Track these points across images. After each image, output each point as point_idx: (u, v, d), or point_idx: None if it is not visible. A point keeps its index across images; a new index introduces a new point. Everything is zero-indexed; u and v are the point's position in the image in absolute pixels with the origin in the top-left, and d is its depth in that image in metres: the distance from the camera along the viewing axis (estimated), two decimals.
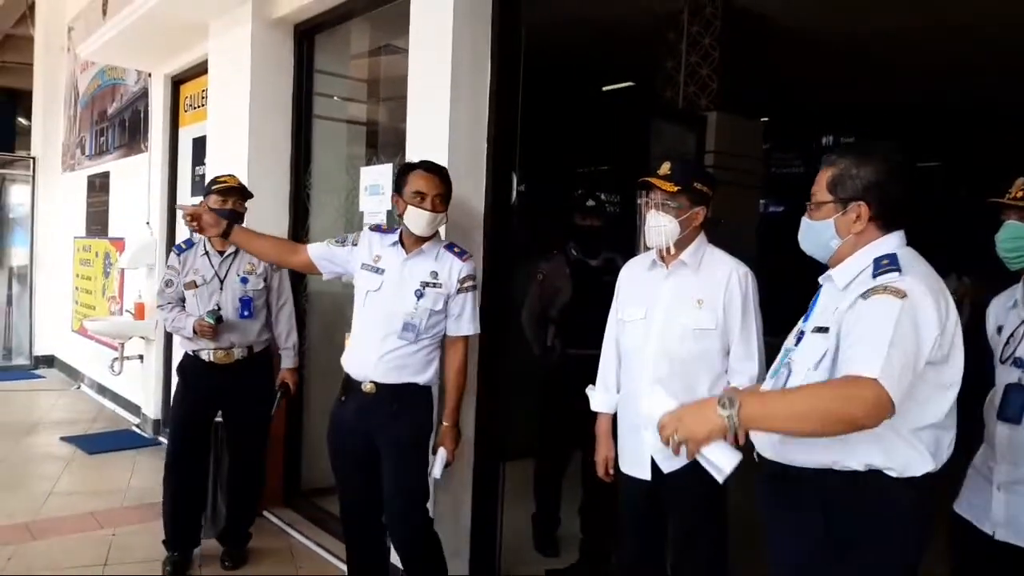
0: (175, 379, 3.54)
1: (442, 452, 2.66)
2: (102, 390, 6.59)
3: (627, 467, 2.39)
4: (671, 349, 2.27)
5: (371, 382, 2.63)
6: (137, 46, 5.01)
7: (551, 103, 6.17)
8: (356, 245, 2.75)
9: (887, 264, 1.62)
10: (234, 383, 3.34)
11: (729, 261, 2.32)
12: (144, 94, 5.92)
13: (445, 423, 2.68)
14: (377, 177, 3.54)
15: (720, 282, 2.26)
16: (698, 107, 6.09)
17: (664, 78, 6.24)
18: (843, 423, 1.49)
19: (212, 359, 3.31)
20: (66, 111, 8.14)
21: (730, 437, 1.59)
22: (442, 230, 2.81)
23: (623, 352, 2.44)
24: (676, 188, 2.23)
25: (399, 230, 2.69)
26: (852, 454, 1.61)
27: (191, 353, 3.38)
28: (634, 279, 2.45)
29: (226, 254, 3.37)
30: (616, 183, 6.39)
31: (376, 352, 2.61)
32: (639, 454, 2.34)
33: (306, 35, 4.09)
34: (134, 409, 5.82)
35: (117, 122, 6.46)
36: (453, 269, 2.64)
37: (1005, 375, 1.98)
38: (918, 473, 1.60)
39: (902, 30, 5.49)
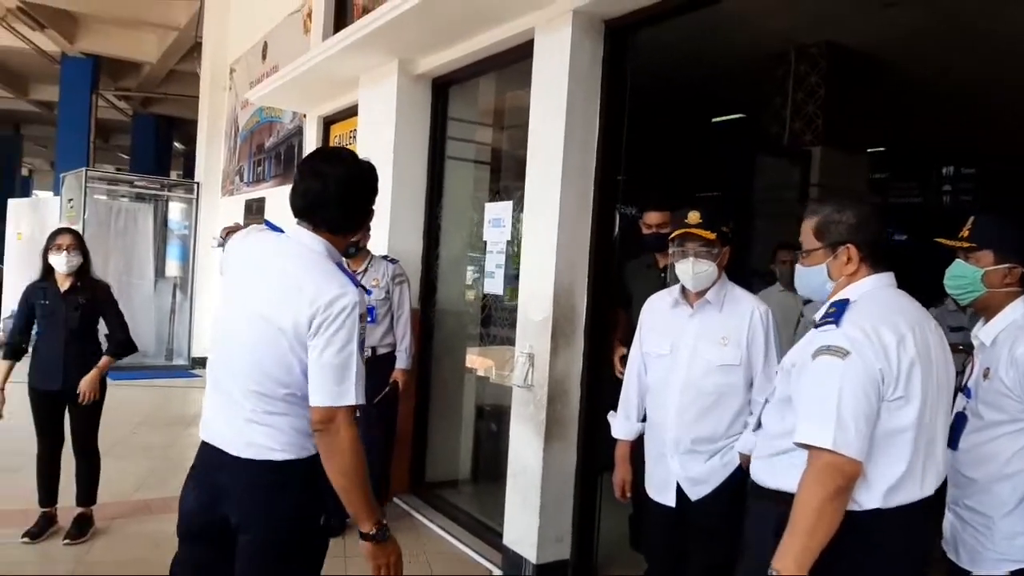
0: None
1: None
2: None
3: (654, 493, 2.58)
4: (697, 383, 2.44)
5: None
6: (298, 93, 5.83)
7: (664, 135, 6.59)
8: None
9: (828, 318, 1.73)
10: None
11: (750, 300, 2.49)
12: (298, 131, 6.79)
13: None
14: (499, 212, 4.12)
15: (743, 320, 2.43)
16: (803, 142, 6.36)
17: (771, 114, 6.53)
18: (836, 500, 1.59)
19: None
20: (226, 142, 9.25)
21: None
22: (546, 257, 3.33)
23: (650, 384, 2.60)
24: (714, 235, 2.42)
25: None
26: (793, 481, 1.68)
27: None
28: (657, 315, 2.61)
29: (357, 272, 4.06)
30: (724, 212, 6.74)
31: None
32: (665, 481, 2.51)
33: (441, 87, 4.74)
34: None
35: (273, 155, 7.39)
36: None
37: (957, 404, 2.04)
38: (858, 509, 1.66)
39: (997, 65, 5.57)
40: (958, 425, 2.02)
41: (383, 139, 4.78)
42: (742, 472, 2.36)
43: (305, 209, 1.87)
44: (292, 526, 1.87)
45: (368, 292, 4.00)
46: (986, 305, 2.03)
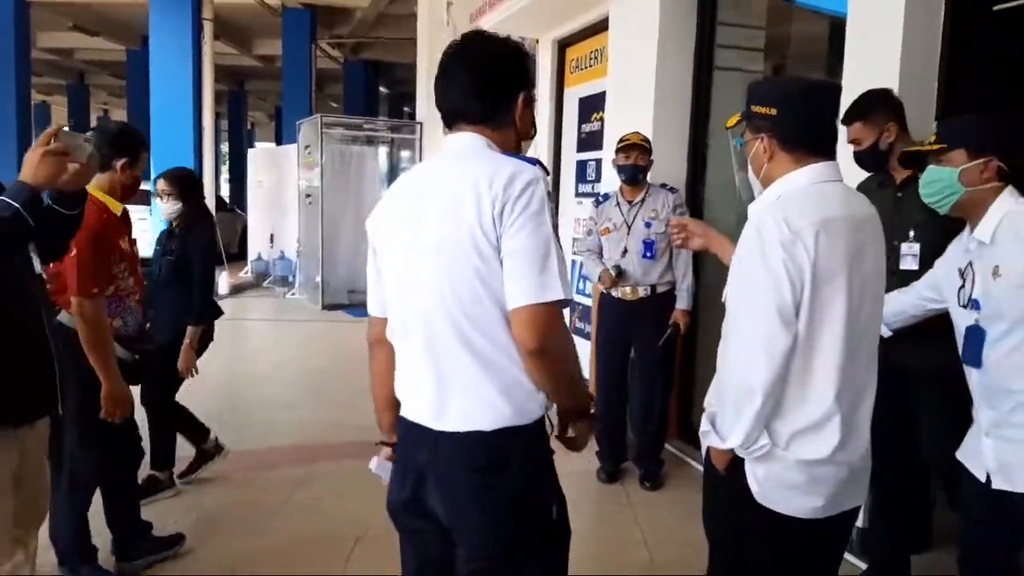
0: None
1: None
2: None
3: None
4: None
5: None
6: (534, 15, 5.50)
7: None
8: None
9: None
10: (637, 318, 3.74)
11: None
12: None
13: None
14: None
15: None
16: None
17: None
18: None
19: (620, 296, 3.75)
20: None
21: None
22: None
23: None
24: (736, 120, 1.79)
25: None
26: None
27: (604, 291, 3.79)
28: None
29: (634, 203, 3.71)
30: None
31: None
32: None
33: None
34: None
35: None
36: None
37: (963, 319, 1.98)
38: None
39: None
40: (973, 341, 1.93)
41: (642, 54, 4.33)
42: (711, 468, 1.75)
43: (447, 113, 1.56)
44: (512, 520, 1.45)
45: (647, 225, 3.66)
46: (970, 206, 1.96)
